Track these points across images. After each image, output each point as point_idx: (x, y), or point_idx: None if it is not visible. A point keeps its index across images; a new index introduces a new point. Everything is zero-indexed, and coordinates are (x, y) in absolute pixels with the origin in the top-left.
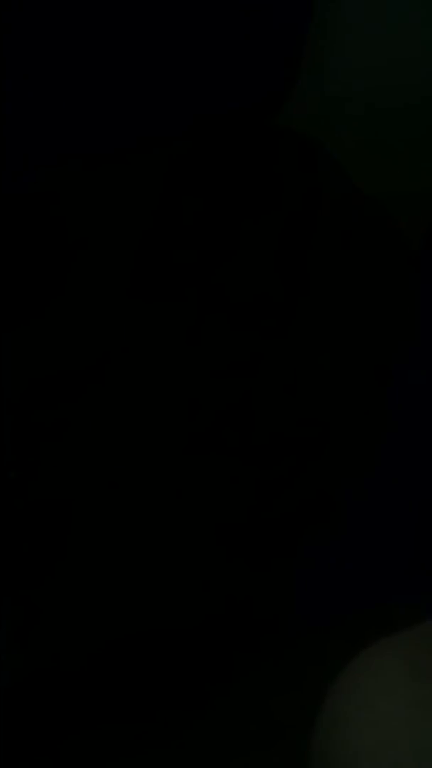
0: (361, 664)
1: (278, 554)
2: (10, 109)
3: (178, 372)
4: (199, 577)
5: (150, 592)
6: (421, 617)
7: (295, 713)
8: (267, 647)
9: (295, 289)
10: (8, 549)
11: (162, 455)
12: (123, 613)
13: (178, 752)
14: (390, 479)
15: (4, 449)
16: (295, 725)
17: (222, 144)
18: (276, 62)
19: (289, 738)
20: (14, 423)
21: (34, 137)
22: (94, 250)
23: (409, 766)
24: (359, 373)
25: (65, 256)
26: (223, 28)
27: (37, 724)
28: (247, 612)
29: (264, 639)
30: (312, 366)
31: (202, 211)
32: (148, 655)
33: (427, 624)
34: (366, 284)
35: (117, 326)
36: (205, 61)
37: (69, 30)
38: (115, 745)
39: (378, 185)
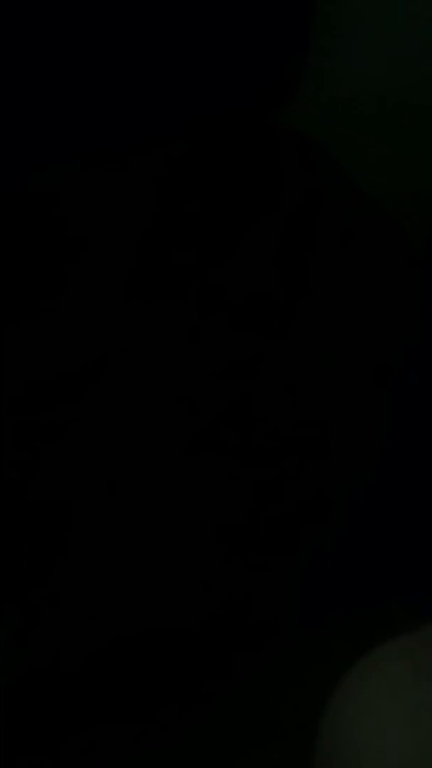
0: (365, 667)
1: (279, 554)
2: (8, 109)
3: (178, 372)
4: (199, 577)
5: (150, 591)
6: (425, 619)
7: (297, 714)
8: (268, 648)
9: (296, 289)
10: (9, 549)
11: (162, 455)
12: (123, 613)
13: (179, 753)
14: (391, 480)
15: (6, 449)
16: (297, 726)
17: (222, 144)
18: (278, 62)
19: (292, 739)
20: (15, 423)
21: (33, 137)
22: (93, 250)
23: None
24: (360, 374)
25: (65, 256)
26: (225, 27)
27: (37, 723)
28: (248, 612)
29: (265, 639)
30: (312, 366)
31: (202, 211)
32: (148, 655)
33: (431, 626)
34: (367, 285)
35: (117, 326)
36: (206, 61)
37: (68, 29)
38: (116, 745)
39: (379, 186)
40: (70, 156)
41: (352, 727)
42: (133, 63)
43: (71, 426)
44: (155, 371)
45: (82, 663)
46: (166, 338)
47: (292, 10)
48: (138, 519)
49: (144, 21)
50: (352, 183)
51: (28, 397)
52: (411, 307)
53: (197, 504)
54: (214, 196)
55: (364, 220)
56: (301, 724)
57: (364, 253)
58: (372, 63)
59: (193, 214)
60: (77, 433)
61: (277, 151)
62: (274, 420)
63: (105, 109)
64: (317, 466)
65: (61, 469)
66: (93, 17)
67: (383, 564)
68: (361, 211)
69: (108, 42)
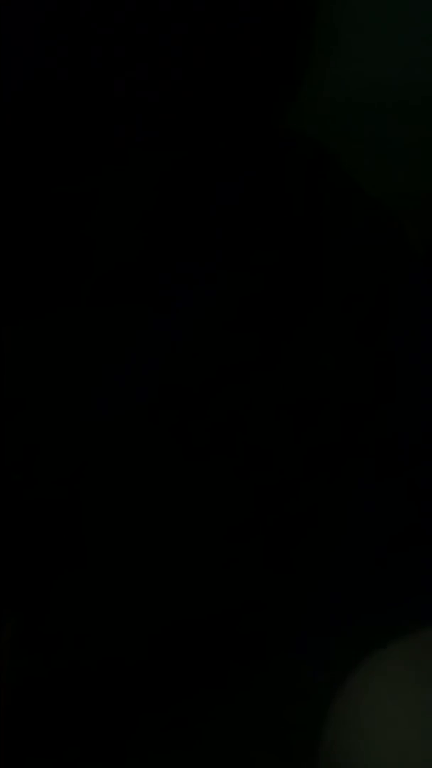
0: (370, 670)
1: (282, 558)
2: (9, 109)
3: (179, 373)
4: (202, 581)
5: (154, 595)
6: (428, 623)
7: (301, 718)
8: (272, 652)
9: (299, 290)
10: (11, 549)
11: (165, 456)
12: (126, 616)
13: (181, 756)
14: (393, 481)
15: (8, 449)
16: (302, 730)
17: (225, 146)
18: (280, 64)
19: (296, 743)
20: (17, 423)
21: (35, 138)
22: (95, 253)
23: None
24: (362, 375)
25: (66, 258)
26: (226, 28)
27: (39, 724)
28: (252, 616)
29: (269, 643)
30: (315, 368)
31: (205, 213)
32: (151, 657)
33: None
34: (371, 287)
35: (118, 327)
36: (208, 62)
37: (67, 27)
38: (118, 747)
39: (384, 188)
40: (71, 157)
41: (357, 731)
42: (134, 65)
43: (74, 426)
44: (157, 371)
45: (85, 664)
46: (168, 341)
47: (293, 12)
48: (141, 521)
49: (147, 23)
50: (355, 184)
51: (30, 397)
52: (413, 307)
53: (200, 506)
54: (217, 199)
55: (367, 221)
56: (305, 728)
57: (369, 255)
58: (373, 64)
59: (195, 217)
60: (80, 434)
61: (280, 152)
62: (276, 421)
63: (106, 112)
64: (320, 470)
65: (64, 470)
66: (95, 19)
67: (387, 567)
68: (364, 212)
69: (109, 43)
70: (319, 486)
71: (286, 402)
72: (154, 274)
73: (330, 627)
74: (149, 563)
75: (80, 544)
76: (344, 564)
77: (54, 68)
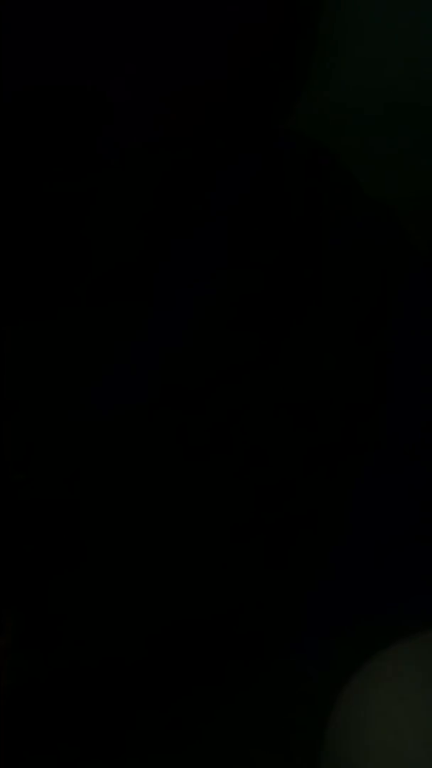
0: (373, 670)
1: (283, 557)
2: (7, 109)
3: (178, 372)
4: (203, 581)
5: (154, 594)
6: (430, 622)
7: (304, 719)
8: (273, 652)
9: (299, 291)
10: (12, 550)
11: (165, 456)
12: (127, 616)
13: (181, 756)
14: (393, 480)
15: (9, 449)
16: (304, 731)
17: (225, 146)
18: (281, 64)
19: (298, 744)
20: (18, 423)
21: (34, 138)
22: (93, 251)
23: None
24: (362, 374)
25: (64, 256)
26: (227, 26)
27: (39, 725)
28: (253, 617)
29: (270, 644)
30: (315, 368)
31: (204, 213)
32: (151, 656)
33: None
34: (371, 286)
35: (117, 326)
36: (208, 61)
37: (67, 26)
38: (117, 748)
39: (385, 189)
40: (71, 157)
41: (359, 731)
42: (134, 65)
43: (73, 426)
44: (159, 371)
45: (85, 664)
46: (166, 340)
47: (294, 12)
48: (140, 520)
49: (147, 22)
50: (356, 184)
51: (31, 397)
52: (413, 307)
53: (199, 506)
54: (217, 199)
55: (367, 221)
56: (307, 729)
57: (367, 253)
58: (373, 65)
59: (195, 216)
60: (79, 433)
61: (280, 152)
62: (275, 421)
63: (106, 111)
64: (319, 469)
65: (65, 470)
66: (94, 18)
67: (388, 567)
68: (364, 212)
69: (109, 43)
70: (318, 486)
71: (286, 401)
72: (153, 272)
73: (330, 627)
74: (148, 563)
75: (79, 544)
76: (344, 564)
77: (54, 68)
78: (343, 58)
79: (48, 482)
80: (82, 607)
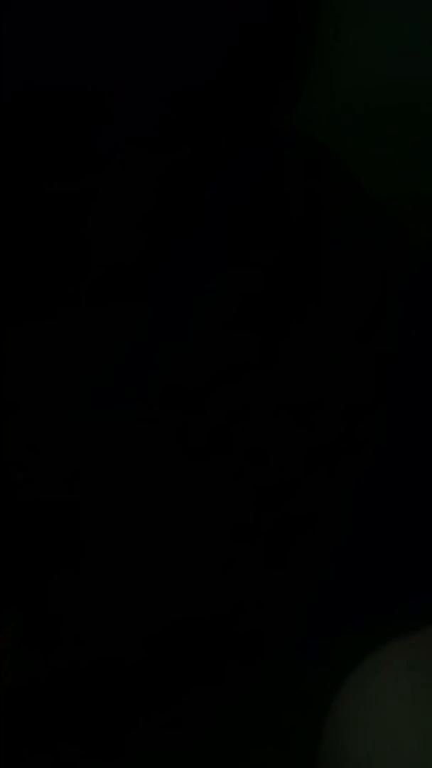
0: (369, 668)
1: (283, 557)
2: (7, 110)
3: (178, 372)
4: (202, 580)
5: (155, 594)
6: (428, 620)
7: (301, 717)
8: (272, 651)
9: (299, 291)
10: (12, 549)
11: (166, 456)
12: (127, 615)
13: (181, 756)
14: (393, 480)
15: (10, 449)
16: (301, 729)
17: (225, 146)
18: (281, 64)
19: (296, 742)
20: (19, 423)
21: (34, 139)
22: (93, 251)
23: None
24: (364, 376)
25: (64, 256)
26: (227, 26)
27: (39, 725)
28: (252, 616)
29: (269, 643)
30: (315, 368)
31: (204, 213)
32: (151, 656)
33: None
34: (371, 287)
35: (117, 326)
36: (209, 61)
37: (68, 26)
38: (117, 747)
39: (385, 189)
40: (71, 157)
41: (357, 729)
42: (134, 64)
43: (76, 426)
44: (161, 372)
45: (85, 665)
46: (171, 341)
47: (294, 12)
48: (140, 520)
49: (147, 22)
50: (357, 184)
51: (31, 397)
52: (413, 307)
53: (199, 506)
54: (217, 199)
55: (367, 221)
56: (305, 727)
57: (367, 253)
58: (374, 64)
59: (195, 216)
60: (82, 434)
61: (280, 152)
62: (275, 421)
63: (106, 111)
64: (319, 469)
65: (66, 470)
66: (94, 17)
67: (388, 567)
68: (365, 212)
69: (109, 42)
70: (319, 486)
71: (286, 401)
72: (153, 272)
73: (329, 627)
74: (148, 563)
75: (79, 544)
76: (344, 564)
77: (54, 68)
78: (343, 58)
79: (48, 482)
80: (82, 607)
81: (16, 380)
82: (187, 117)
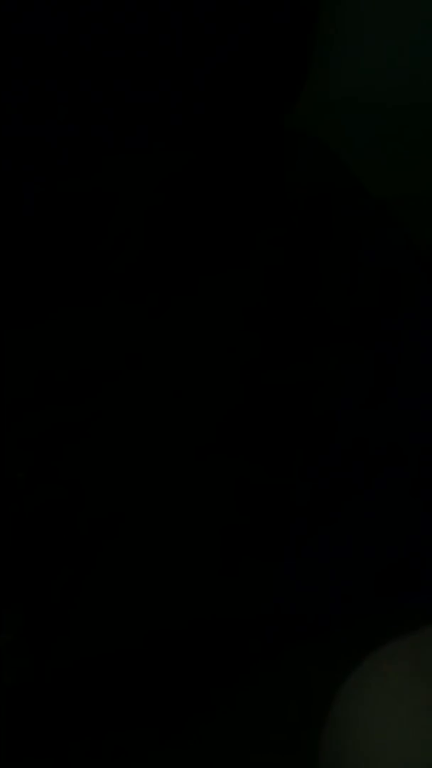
0: (369, 667)
1: (283, 557)
2: (10, 114)
3: (184, 374)
4: (202, 579)
5: (155, 593)
6: (426, 620)
7: (301, 717)
8: (270, 651)
9: (303, 289)
10: (12, 549)
11: (167, 455)
12: (128, 615)
13: (181, 756)
14: (393, 481)
15: (11, 449)
16: (301, 729)
17: (229, 146)
18: (282, 64)
19: (295, 742)
20: (21, 423)
21: (36, 141)
22: (100, 253)
23: None
24: (363, 376)
25: (68, 257)
26: (229, 29)
27: (40, 725)
28: (253, 616)
29: (270, 643)
30: (317, 369)
31: (210, 212)
32: (152, 656)
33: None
34: (373, 286)
35: (123, 329)
36: (210, 63)
37: (70, 26)
38: (118, 747)
39: (387, 188)
40: (73, 158)
41: (356, 729)
42: (136, 66)
43: (77, 426)
44: (161, 373)
45: (86, 665)
46: (173, 340)
47: (297, 13)
48: (142, 520)
49: (149, 23)
50: (358, 183)
51: (34, 398)
52: (414, 307)
53: (200, 506)
54: (222, 198)
55: (368, 221)
56: (304, 726)
57: (373, 255)
58: (373, 64)
59: (200, 216)
60: (83, 434)
61: (284, 152)
62: (276, 421)
63: (109, 113)
64: (319, 470)
65: (66, 470)
66: (97, 17)
67: (388, 567)
68: (366, 212)
69: (111, 45)
70: (318, 485)
71: (287, 401)
72: (158, 273)
73: (330, 626)
74: (149, 562)
75: (80, 544)
76: (344, 564)
77: (56, 67)
78: (343, 58)
79: (48, 482)
80: (82, 607)
81: (16, 380)
82: (189, 117)
